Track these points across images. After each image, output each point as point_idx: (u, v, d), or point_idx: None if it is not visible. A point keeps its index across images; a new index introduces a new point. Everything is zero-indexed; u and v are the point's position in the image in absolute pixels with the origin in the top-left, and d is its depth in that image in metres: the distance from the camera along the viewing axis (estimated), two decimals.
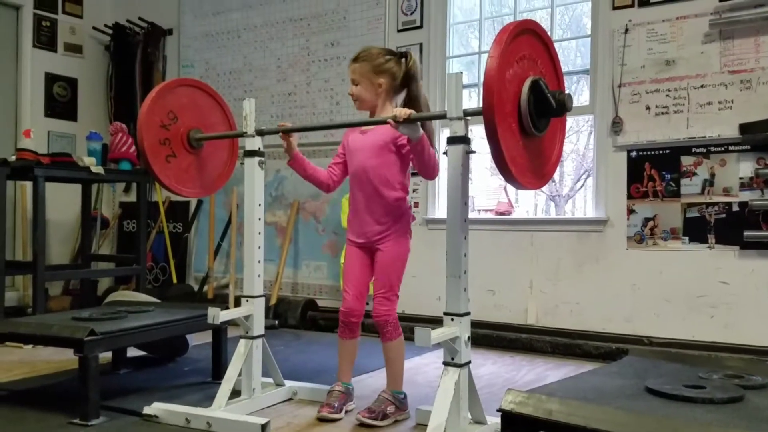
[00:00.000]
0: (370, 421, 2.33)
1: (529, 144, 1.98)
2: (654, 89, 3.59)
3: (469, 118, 2.09)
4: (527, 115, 1.88)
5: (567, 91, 2.03)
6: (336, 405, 2.42)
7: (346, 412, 2.46)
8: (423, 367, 3.35)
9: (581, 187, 5.21)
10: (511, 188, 4.32)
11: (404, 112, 2.19)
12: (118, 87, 5.59)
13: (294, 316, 4.45)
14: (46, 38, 5.29)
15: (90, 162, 4.11)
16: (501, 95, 1.83)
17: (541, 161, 2.08)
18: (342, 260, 4.21)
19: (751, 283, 3.33)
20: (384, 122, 2.26)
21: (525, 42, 1.98)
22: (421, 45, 4.31)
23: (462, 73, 2.13)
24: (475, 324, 2.17)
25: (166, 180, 2.70)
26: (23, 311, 4.61)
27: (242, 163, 2.68)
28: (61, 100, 5.39)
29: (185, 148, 2.78)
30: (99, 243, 5.40)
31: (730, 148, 3.40)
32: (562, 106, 1.93)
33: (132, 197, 5.44)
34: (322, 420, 2.38)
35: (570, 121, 3.52)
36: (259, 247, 2.64)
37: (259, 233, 2.65)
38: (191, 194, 2.90)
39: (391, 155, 2.44)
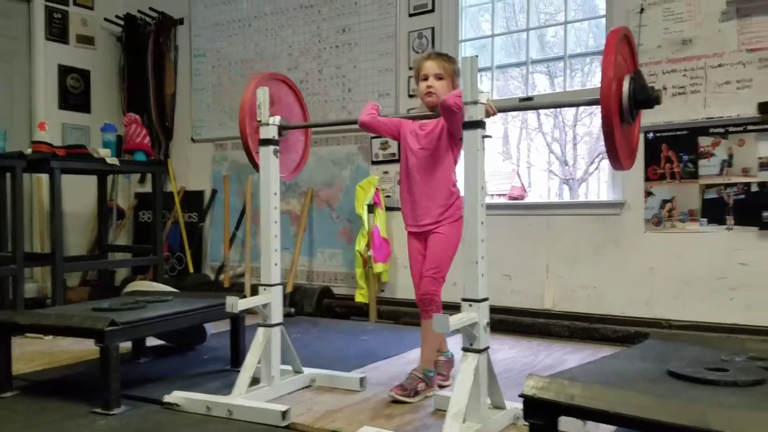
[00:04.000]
0: (402, 398, 2.45)
1: (625, 131, 2.14)
2: (671, 69, 3.54)
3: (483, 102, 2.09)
4: (628, 107, 2.03)
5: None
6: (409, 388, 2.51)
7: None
8: None
9: (595, 170, 5.17)
10: (523, 173, 4.29)
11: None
12: (131, 78, 5.60)
13: (310, 303, 4.46)
14: (57, 30, 5.29)
15: (105, 153, 4.13)
16: (616, 94, 1.98)
17: (631, 143, 2.25)
18: (357, 247, 4.27)
19: None
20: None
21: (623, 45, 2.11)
22: (432, 29, 4.28)
23: (477, 56, 2.11)
24: (491, 309, 2.16)
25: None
26: (42, 303, 4.66)
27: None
28: (74, 92, 5.40)
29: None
30: (115, 234, 5.43)
31: (749, 127, 3.35)
32: (657, 99, 2.08)
33: (147, 188, 5.47)
34: (395, 401, 2.46)
35: None
36: (276, 236, 2.64)
37: (275, 222, 2.64)
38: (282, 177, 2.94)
39: (447, 149, 2.59)
